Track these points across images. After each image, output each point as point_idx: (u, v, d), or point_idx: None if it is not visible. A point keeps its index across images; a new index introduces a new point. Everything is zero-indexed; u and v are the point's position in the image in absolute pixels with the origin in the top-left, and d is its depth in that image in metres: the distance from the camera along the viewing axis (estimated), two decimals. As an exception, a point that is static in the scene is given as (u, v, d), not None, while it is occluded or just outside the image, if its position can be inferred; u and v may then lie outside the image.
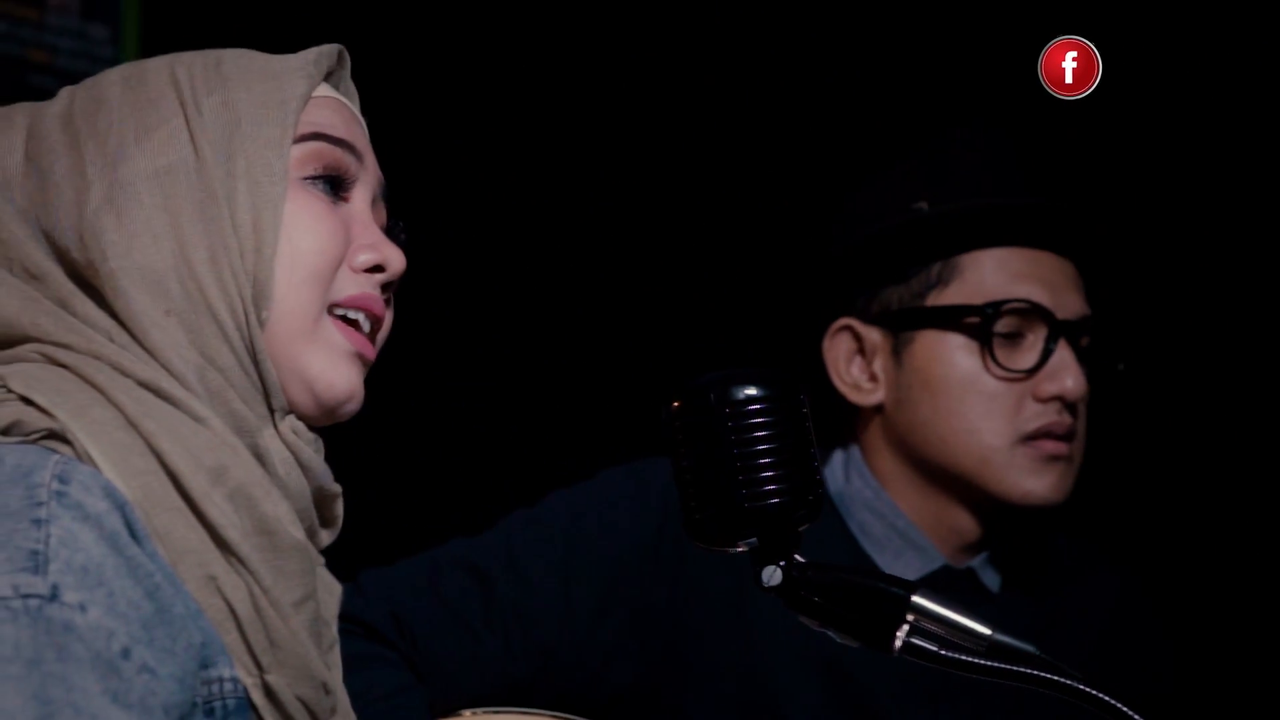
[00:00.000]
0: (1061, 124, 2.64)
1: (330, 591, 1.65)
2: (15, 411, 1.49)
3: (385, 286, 1.65)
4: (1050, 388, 2.43)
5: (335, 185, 1.64)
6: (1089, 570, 2.60)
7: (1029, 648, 1.59)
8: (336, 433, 1.66)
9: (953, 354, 2.45)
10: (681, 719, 2.46)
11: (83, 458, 1.47)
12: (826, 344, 2.52)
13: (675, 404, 1.64)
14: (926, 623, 1.60)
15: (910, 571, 2.46)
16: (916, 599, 1.60)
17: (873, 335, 2.50)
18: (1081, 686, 1.56)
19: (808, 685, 2.44)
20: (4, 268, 1.57)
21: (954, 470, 2.46)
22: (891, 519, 2.50)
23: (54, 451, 1.47)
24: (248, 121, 1.60)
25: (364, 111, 1.72)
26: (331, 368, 1.60)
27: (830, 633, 1.64)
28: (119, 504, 1.45)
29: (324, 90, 1.67)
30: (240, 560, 1.51)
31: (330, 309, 1.61)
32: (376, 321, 1.65)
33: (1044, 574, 2.54)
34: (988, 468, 2.44)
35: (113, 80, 1.64)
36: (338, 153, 1.64)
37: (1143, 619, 2.61)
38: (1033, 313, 2.44)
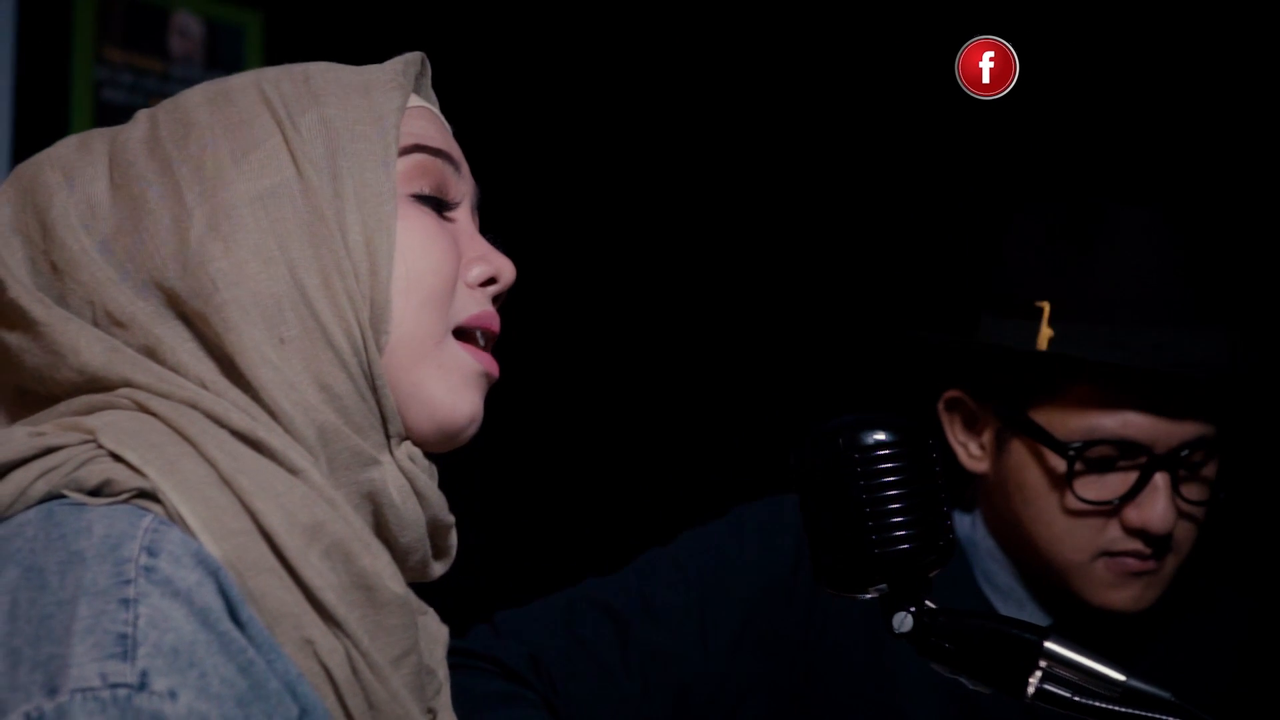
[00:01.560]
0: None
1: (435, 639, 1.60)
2: (105, 470, 1.44)
3: (495, 297, 1.62)
4: (1135, 519, 2.39)
5: (441, 199, 1.60)
6: (1212, 600, 2.57)
7: (1163, 693, 1.57)
8: (467, 478, 1.65)
9: (1043, 468, 2.41)
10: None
11: (174, 518, 1.42)
12: (941, 405, 2.51)
13: (803, 449, 1.63)
14: (1059, 668, 1.59)
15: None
16: (1049, 644, 1.59)
17: (982, 410, 2.47)
18: (1217, 733, 1.54)
19: (943, 722, 2.43)
20: (85, 314, 1.51)
21: (1041, 566, 2.45)
22: (1013, 570, 2.48)
23: (145, 512, 1.42)
24: (348, 138, 1.55)
25: (458, 118, 1.68)
26: (454, 391, 1.56)
27: (962, 679, 1.62)
28: (211, 570, 1.40)
29: (413, 100, 1.62)
30: (337, 624, 1.46)
31: (453, 331, 1.57)
32: (492, 337, 1.61)
33: (1167, 610, 2.51)
34: (1069, 575, 2.42)
35: (196, 101, 1.58)
36: (439, 163, 1.60)
37: (1271, 646, 2.58)
38: (1128, 447, 2.38)
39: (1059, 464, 2.39)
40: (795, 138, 4.08)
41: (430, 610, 1.61)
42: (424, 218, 1.57)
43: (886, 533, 1.59)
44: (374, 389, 1.53)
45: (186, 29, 3.66)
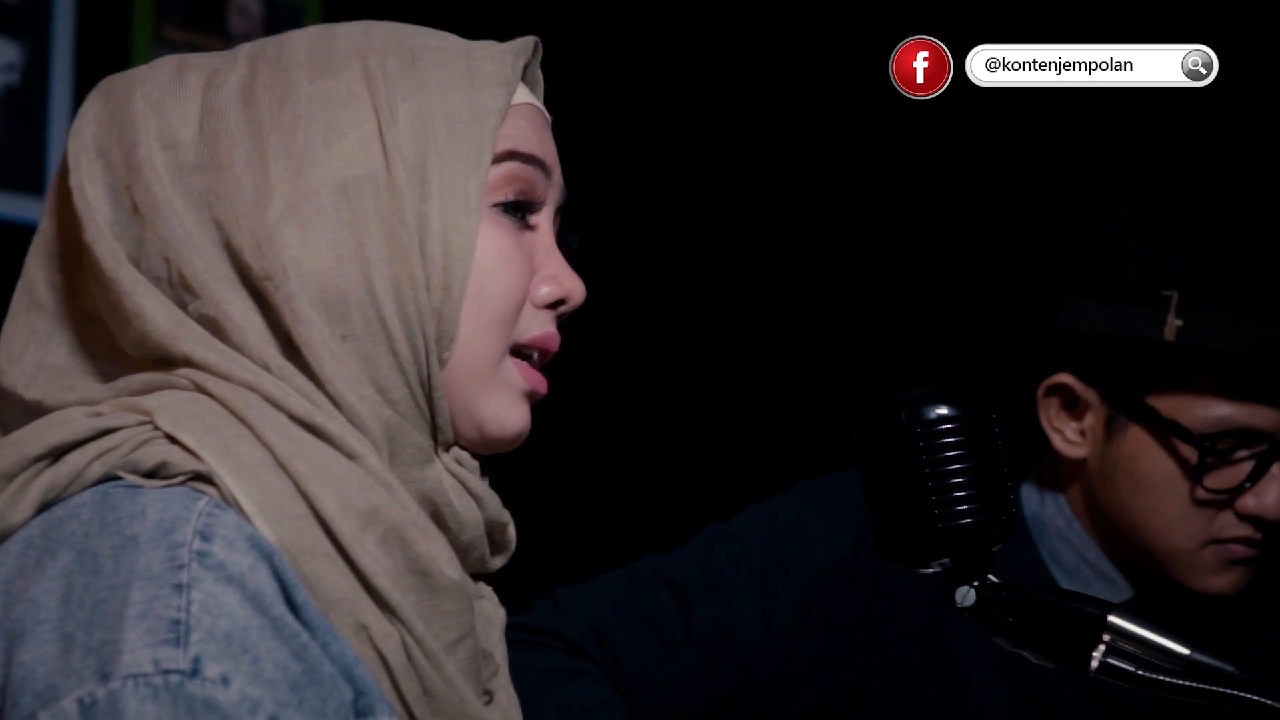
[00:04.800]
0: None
1: (492, 622, 1.58)
2: (161, 452, 1.43)
3: (560, 315, 1.60)
4: (1252, 505, 2.39)
5: (524, 209, 1.57)
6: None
7: (1228, 667, 1.56)
8: (529, 456, 1.65)
9: (1163, 456, 2.40)
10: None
11: (229, 501, 1.42)
12: (1041, 390, 2.48)
13: (865, 424, 1.63)
14: (1123, 643, 1.58)
15: None
16: (1113, 619, 1.58)
17: (1089, 395, 2.46)
18: (1281, 707, 1.53)
19: (1006, 702, 2.43)
20: (159, 270, 1.49)
21: (1141, 550, 2.44)
22: (1082, 550, 2.47)
23: (200, 495, 1.41)
24: (444, 137, 1.52)
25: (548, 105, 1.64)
26: (505, 409, 1.55)
27: (1025, 653, 1.62)
28: (265, 555, 1.39)
29: (519, 95, 1.58)
30: (391, 610, 1.46)
31: (511, 350, 1.56)
32: (548, 355, 1.60)
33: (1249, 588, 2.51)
34: (1173, 561, 2.42)
35: (299, 60, 1.53)
36: (529, 171, 1.56)
37: None
38: (1252, 435, 2.39)
39: (1188, 453, 2.38)
40: (884, 121, 4.06)
41: (488, 592, 1.60)
42: (503, 234, 1.55)
43: (949, 507, 1.58)
44: (430, 400, 1.52)
45: (246, 8, 3.67)
